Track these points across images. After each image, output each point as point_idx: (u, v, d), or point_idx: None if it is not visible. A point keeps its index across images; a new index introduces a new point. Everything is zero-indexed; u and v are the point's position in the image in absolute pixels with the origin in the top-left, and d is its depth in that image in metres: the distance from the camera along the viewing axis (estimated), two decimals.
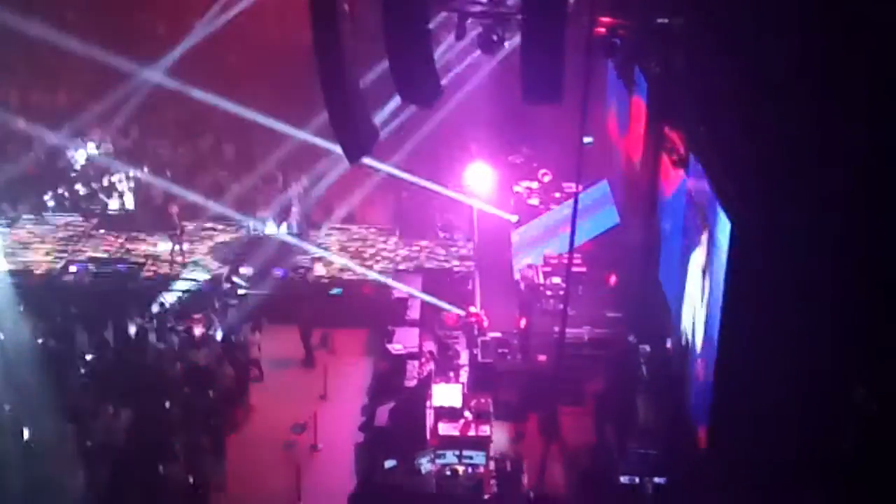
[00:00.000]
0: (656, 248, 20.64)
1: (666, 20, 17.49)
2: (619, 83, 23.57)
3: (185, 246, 26.43)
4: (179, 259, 25.99)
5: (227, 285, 24.51)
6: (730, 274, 14.46)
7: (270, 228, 27.35)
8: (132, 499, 16.90)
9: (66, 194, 28.86)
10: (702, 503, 15.65)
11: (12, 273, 24.18)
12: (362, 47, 15.34)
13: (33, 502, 16.76)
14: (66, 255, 25.98)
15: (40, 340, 21.05)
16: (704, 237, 16.27)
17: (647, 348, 19.43)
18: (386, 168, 27.34)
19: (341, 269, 25.86)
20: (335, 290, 24.91)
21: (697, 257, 16.79)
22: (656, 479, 16.84)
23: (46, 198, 28.51)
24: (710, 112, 15.80)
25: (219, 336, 22.06)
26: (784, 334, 12.83)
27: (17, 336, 21.17)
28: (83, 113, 30.46)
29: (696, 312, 16.83)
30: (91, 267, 25.24)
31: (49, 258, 25.81)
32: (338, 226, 28.17)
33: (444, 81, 16.08)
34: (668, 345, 19.11)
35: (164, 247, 26.46)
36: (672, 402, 17.99)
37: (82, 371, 20.21)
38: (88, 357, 20.55)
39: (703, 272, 16.31)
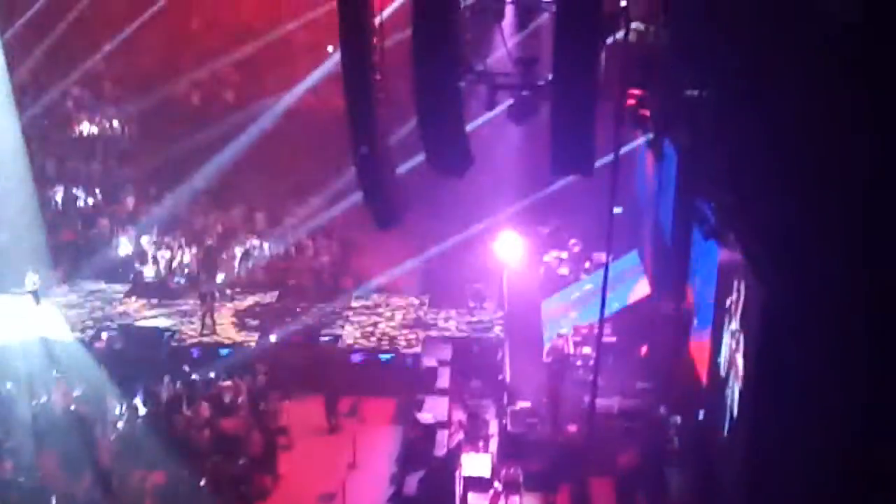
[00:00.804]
0: (688, 318, 20.54)
1: (695, 92, 17.59)
2: (650, 154, 23.68)
3: (216, 314, 26.57)
4: (210, 326, 26.11)
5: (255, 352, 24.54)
6: (763, 344, 14.37)
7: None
8: None
9: (100, 261, 29.10)
10: None
11: (46, 339, 24.37)
12: (394, 116, 15.54)
13: None
14: (98, 321, 26.13)
15: (72, 406, 21.16)
16: (737, 307, 16.20)
17: (679, 419, 19.27)
18: (415, 236, 27.48)
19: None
20: (386, 356, 24.92)
21: (730, 328, 16.70)
22: None
23: (81, 264, 28.72)
24: (741, 181, 15.81)
25: (248, 403, 22.05)
26: (819, 404, 12.70)
27: (49, 401, 21.35)
28: (117, 181, 30.97)
29: (729, 383, 16.70)
30: (123, 333, 25.37)
31: (82, 324, 25.95)
32: (366, 293, 28.24)
33: (473, 151, 16.20)
34: (700, 416, 18.93)
35: (194, 314, 26.62)
36: (704, 474, 17.78)
37: (112, 437, 20.24)
38: (119, 423, 20.59)
39: (736, 342, 16.21)
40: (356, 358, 24.98)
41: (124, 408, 21.26)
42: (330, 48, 28.60)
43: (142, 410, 21.30)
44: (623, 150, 18.75)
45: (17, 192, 28.85)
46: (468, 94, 18.70)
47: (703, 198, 18.01)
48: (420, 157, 15.86)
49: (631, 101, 17.57)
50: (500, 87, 17.56)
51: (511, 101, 17.38)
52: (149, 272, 28.86)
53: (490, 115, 18.96)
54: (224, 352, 24.87)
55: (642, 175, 26.58)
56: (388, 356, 25.03)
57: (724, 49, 15.94)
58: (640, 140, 24.03)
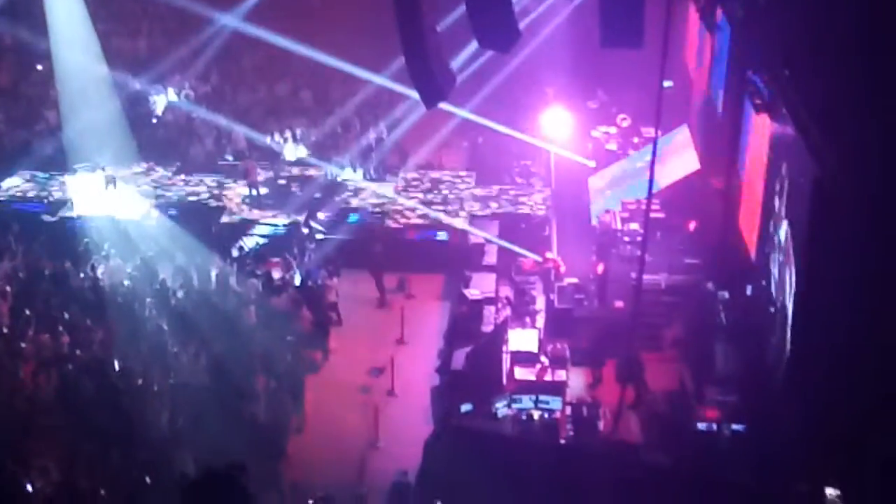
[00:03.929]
0: (737, 193, 20.34)
1: None
2: (701, 26, 23.15)
3: (263, 190, 26.71)
4: (257, 201, 26.27)
5: (304, 230, 24.70)
6: (813, 219, 14.21)
7: (347, 173, 27.49)
8: (214, 437, 17.25)
9: (148, 140, 29.23)
10: (779, 450, 15.54)
11: (101, 216, 24.65)
12: None
13: (120, 438, 17.23)
14: (148, 198, 26.33)
15: (125, 282, 21.51)
16: (787, 183, 15.98)
17: (726, 295, 19.23)
18: (462, 113, 27.24)
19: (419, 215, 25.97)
20: (441, 235, 25.01)
21: (779, 203, 16.51)
22: (734, 426, 16.75)
23: (129, 143, 28.84)
24: (795, 55, 15.45)
25: (297, 280, 22.30)
26: (865, 282, 12.61)
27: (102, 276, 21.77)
28: (163, 59, 30.87)
29: (776, 259, 16.60)
30: (173, 211, 25.61)
31: (133, 202, 26.14)
32: (414, 171, 28.21)
33: (521, 26, 15.88)
34: (748, 292, 18.88)
35: (242, 191, 26.78)
36: (751, 349, 17.82)
37: (165, 312, 20.58)
38: (171, 298, 20.94)
39: (785, 218, 16.05)
40: (403, 235, 25.05)
41: (175, 284, 21.54)
42: None
43: (193, 287, 21.56)
44: (674, 21, 18.31)
45: (94, 72, 29.06)
46: None
47: (756, 71, 17.65)
48: (467, 33, 15.55)
49: None
50: None
51: None
52: (196, 150, 28.94)
53: None
54: (273, 229, 25.03)
55: (693, 47, 26.05)
56: (434, 233, 25.08)
57: None
58: (692, 11, 23.54)
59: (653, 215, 20.46)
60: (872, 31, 12.12)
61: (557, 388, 18.26)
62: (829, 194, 13.58)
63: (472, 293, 21.54)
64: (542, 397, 18.03)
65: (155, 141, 29.33)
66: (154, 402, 17.68)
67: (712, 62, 23.17)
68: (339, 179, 27.30)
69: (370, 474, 17.65)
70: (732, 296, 19.19)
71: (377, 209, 26.14)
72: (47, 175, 27.26)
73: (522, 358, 18.90)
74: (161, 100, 30.40)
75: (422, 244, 24.85)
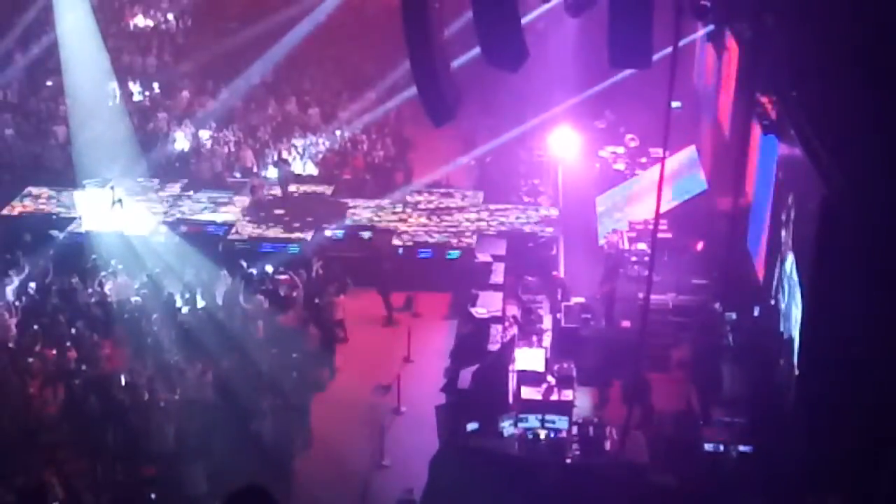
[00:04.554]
0: (744, 214, 20.33)
1: None
2: (710, 47, 23.19)
3: (270, 207, 26.72)
4: (263, 219, 26.28)
5: (312, 247, 24.68)
6: (820, 241, 14.20)
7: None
8: (219, 454, 17.24)
9: (157, 156, 29.27)
10: (786, 472, 15.48)
11: (110, 232, 24.66)
12: (449, 10, 15.25)
13: (125, 453, 17.24)
14: (156, 216, 26.34)
15: (133, 298, 21.54)
16: (794, 204, 15.98)
17: (734, 316, 19.19)
18: (470, 131, 27.24)
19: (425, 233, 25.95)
20: (453, 253, 24.94)
21: (786, 225, 16.50)
22: (741, 447, 16.70)
23: (138, 159, 28.86)
24: (803, 76, 15.48)
25: (304, 297, 22.27)
26: (872, 302, 12.59)
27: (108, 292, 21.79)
28: (172, 76, 30.99)
29: (784, 281, 16.57)
30: (180, 228, 25.62)
31: (141, 219, 26.16)
32: (421, 188, 28.19)
33: (529, 44, 15.93)
34: (755, 313, 18.85)
35: (250, 208, 26.78)
36: (758, 370, 17.78)
37: (171, 328, 20.59)
38: (178, 315, 20.95)
39: (792, 241, 16.04)
40: (409, 253, 25.02)
41: (183, 300, 21.56)
42: None
43: (200, 303, 21.58)
44: (682, 42, 18.36)
45: (104, 88, 29.18)
46: None
47: (764, 92, 17.69)
48: (475, 51, 15.60)
49: None
50: None
51: None
52: (205, 166, 28.97)
53: (546, 7, 18.57)
54: (279, 246, 25.02)
55: (702, 68, 26.10)
56: (444, 252, 25.05)
57: None
58: (701, 32, 23.59)
59: (660, 235, 20.42)
60: (880, 51, 12.15)
61: (564, 408, 18.20)
62: (836, 214, 13.58)
63: (479, 312, 21.51)
64: (548, 417, 17.97)
65: (163, 157, 29.34)
66: (160, 419, 17.66)
67: (720, 83, 23.20)
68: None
69: (376, 493, 17.59)
70: (740, 317, 19.17)
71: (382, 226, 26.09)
72: (56, 190, 27.27)
73: (529, 377, 18.85)
74: (169, 116, 30.47)
75: (427, 262, 24.79)
